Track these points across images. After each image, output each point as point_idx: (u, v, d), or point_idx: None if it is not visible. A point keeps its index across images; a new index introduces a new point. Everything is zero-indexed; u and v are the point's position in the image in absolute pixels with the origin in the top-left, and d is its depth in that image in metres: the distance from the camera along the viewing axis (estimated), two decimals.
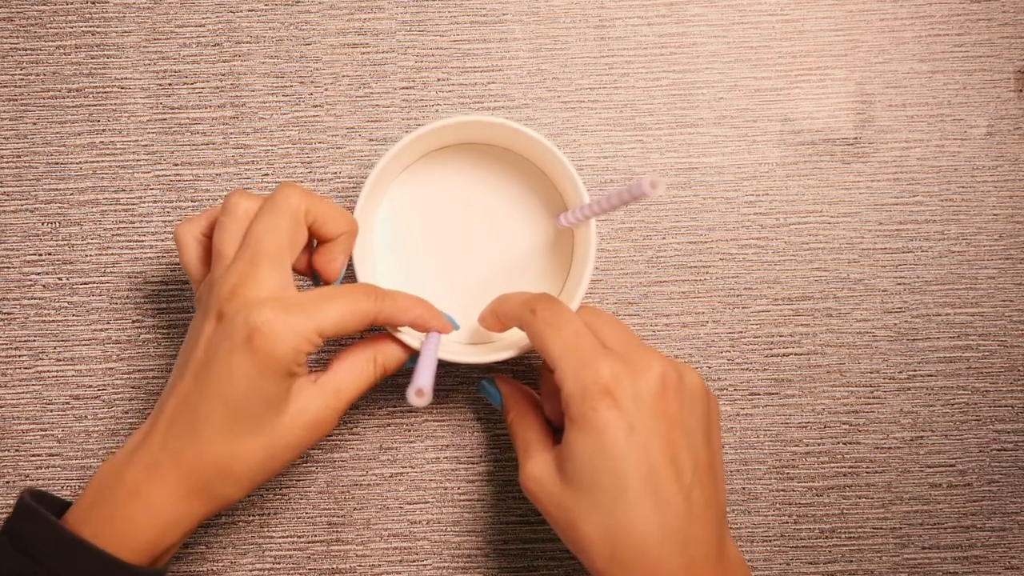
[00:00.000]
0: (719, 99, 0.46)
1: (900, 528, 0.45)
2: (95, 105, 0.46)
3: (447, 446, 0.45)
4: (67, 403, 0.45)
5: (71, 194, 0.45)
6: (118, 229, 0.45)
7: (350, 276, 0.40)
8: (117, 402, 0.45)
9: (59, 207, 0.45)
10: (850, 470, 0.45)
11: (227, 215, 0.37)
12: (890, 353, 0.46)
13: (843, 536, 0.45)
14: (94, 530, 0.34)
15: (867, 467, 0.45)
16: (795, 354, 0.46)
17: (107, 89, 0.46)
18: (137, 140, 0.46)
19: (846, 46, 0.46)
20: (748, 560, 0.45)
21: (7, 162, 0.45)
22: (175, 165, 0.46)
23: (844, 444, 0.46)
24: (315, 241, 0.39)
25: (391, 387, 0.45)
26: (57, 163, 0.45)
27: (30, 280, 0.45)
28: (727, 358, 0.46)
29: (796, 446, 0.46)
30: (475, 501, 0.45)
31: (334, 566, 0.45)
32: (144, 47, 0.46)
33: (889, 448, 0.46)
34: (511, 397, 0.41)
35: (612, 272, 0.46)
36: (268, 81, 0.46)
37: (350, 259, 0.40)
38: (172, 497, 0.35)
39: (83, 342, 0.45)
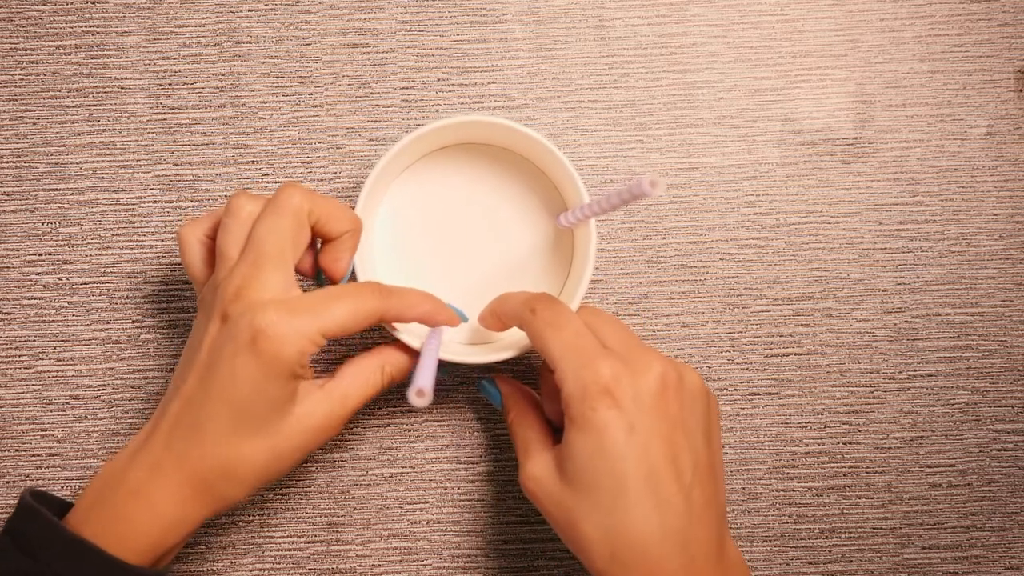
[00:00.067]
0: (719, 99, 0.46)
1: (900, 528, 0.45)
2: (95, 105, 0.46)
3: (447, 446, 0.45)
4: (67, 403, 0.45)
5: (71, 194, 0.45)
6: (118, 229, 0.45)
7: (351, 276, 0.40)
8: (117, 402, 0.45)
9: (59, 207, 0.45)
10: (850, 470, 0.45)
11: (230, 217, 0.37)
12: (890, 353, 0.46)
13: (843, 536, 0.45)
14: (95, 530, 0.34)
15: (867, 467, 0.45)
16: (795, 354, 0.46)
17: (107, 89, 0.46)
18: (137, 140, 0.46)
19: (846, 46, 0.46)
20: (748, 560, 0.45)
21: (7, 162, 0.45)
22: (175, 165, 0.46)
23: (844, 444, 0.46)
24: (319, 241, 0.39)
25: (391, 387, 0.45)
26: (57, 163, 0.45)
27: (30, 280, 0.45)
28: (727, 358, 0.46)
29: (796, 446, 0.46)
30: (475, 501, 0.45)
31: (334, 566, 0.45)
32: (144, 47, 0.46)
33: (889, 448, 0.46)
34: (511, 397, 0.41)
35: (612, 272, 0.46)
36: (268, 81, 0.46)
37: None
38: (175, 498, 0.35)
39: (83, 342, 0.45)
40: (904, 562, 0.45)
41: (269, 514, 0.45)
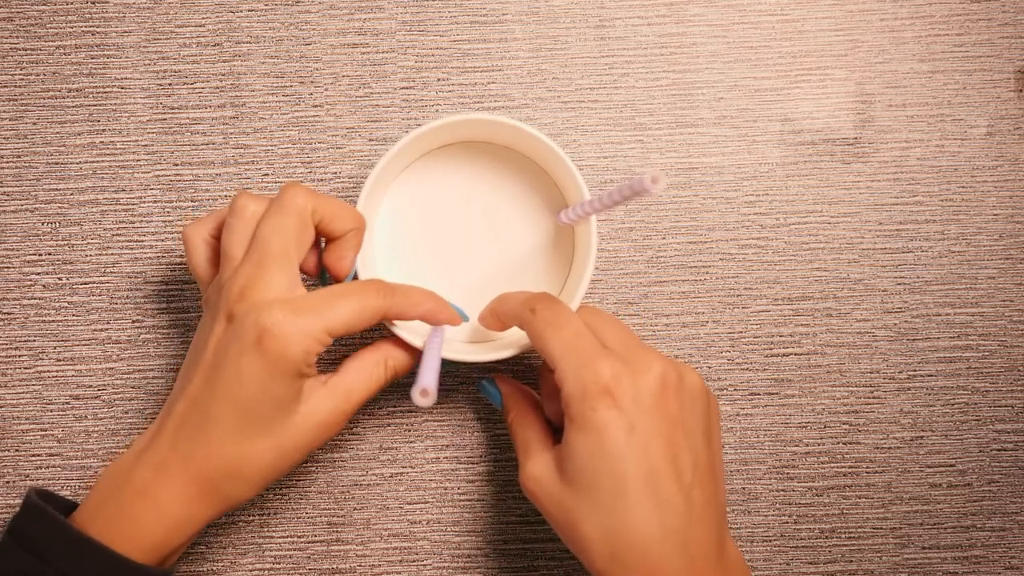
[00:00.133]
0: (719, 99, 0.46)
1: (900, 528, 0.45)
2: (95, 105, 0.46)
3: (447, 446, 0.45)
4: (67, 403, 0.45)
5: (71, 194, 0.45)
6: (118, 229, 0.45)
7: (353, 275, 0.40)
8: (117, 402, 0.45)
9: (59, 207, 0.45)
10: (850, 470, 0.45)
11: (234, 217, 0.37)
12: (890, 353, 0.46)
13: (843, 536, 0.45)
14: (101, 529, 0.34)
15: (867, 467, 0.45)
16: (795, 354, 0.46)
17: (107, 89, 0.46)
18: (137, 140, 0.46)
19: (846, 46, 0.46)
20: (748, 560, 0.45)
21: (7, 162, 0.45)
22: (175, 165, 0.46)
23: (844, 444, 0.46)
24: (323, 240, 0.39)
25: (392, 387, 0.45)
26: (57, 163, 0.45)
27: (30, 280, 0.45)
28: (727, 358, 0.46)
29: (796, 446, 0.46)
30: (475, 501, 0.45)
31: (334, 566, 0.45)
32: (144, 47, 0.46)
33: (889, 448, 0.46)
34: (511, 397, 0.41)
35: (612, 272, 0.46)
36: (268, 81, 0.46)
37: None
38: (181, 498, 0.35)
39: (83, 342, 0.45)
40: (904, 562, 0.45)
41: (269, 514, 0.45)
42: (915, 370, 0.46)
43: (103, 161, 0.46)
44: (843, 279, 0.46)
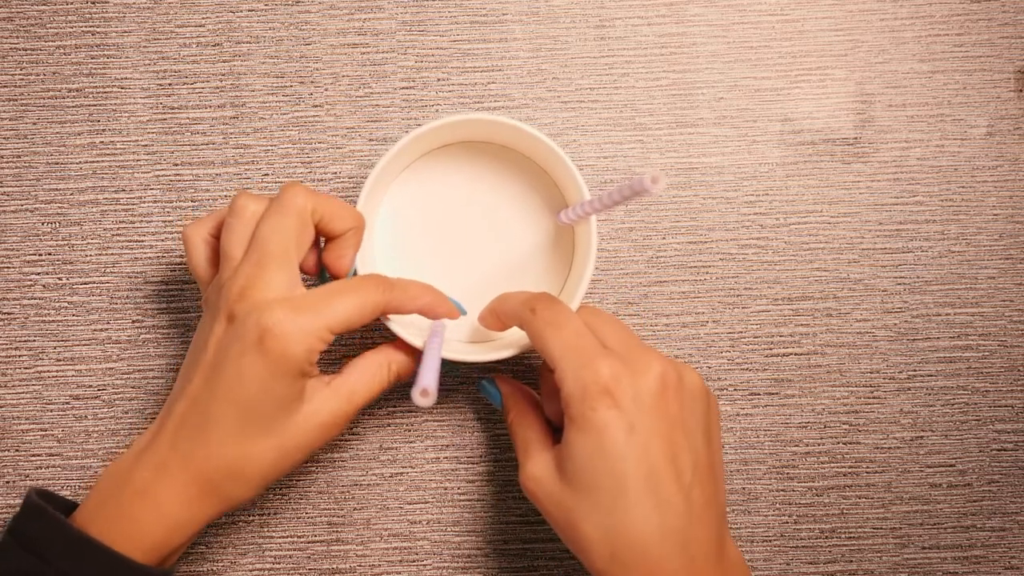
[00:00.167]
0: (719, 99, 0.46)
1: (900, 528, 0.45)
2: (95, 105, 0.46)
3: (447, 446, 0.45)
4: (67, 403, 0.45)
5: (71, 194, 0.45)
6: (118, 229, 0.45)
7: (352, 273, 0.40)
8: (117, 402, 0.45)
9: (59, 207, 0.45)
10: (850, 470, 0.45)
11: (234, 217, 0.37)
12: (890, 353, 0.46)
13: (843, 536, 0.45)
14: (101, 529, 0.34)
15: (867, 467, 0.45)
16: (795, 354, 0.46)
17: (107, 89, 0.46)
18: (137, 140, 0.46)
19: (846, 46, 0.46)
20: (748, 560, 0.45)
21: (7, 162, 0.45)
22: (175, 165, 0.46)
23: (844, 444, 0.46)
24: (322, 239, 0.39)
25: (392, 387, 0.45)
26: (57, 163, 0.45)
27: (30, 280, 0.45)
28: (727, 358, 0.46)
29: (796, 446, 0.46)
30: (475, 501, 0.45)
31: (334, 566, 0.45)
32: (144, 47, 0.46)
33: (889, 448, 0.46)
34: (511, 397, 0.41)
35: (612, 272, 0.46)
36: (268, 81, 0.46)
37: None
38: (181, 498, 0.35)
39: (83, 342, 0.45)
40: (904, 562, 0.45)
41: (269, 514, 0.45)
42: (915, 370, 0.46)
43: (103, 161, 0.46)
44: (843, 279, 0.46)
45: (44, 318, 0.45)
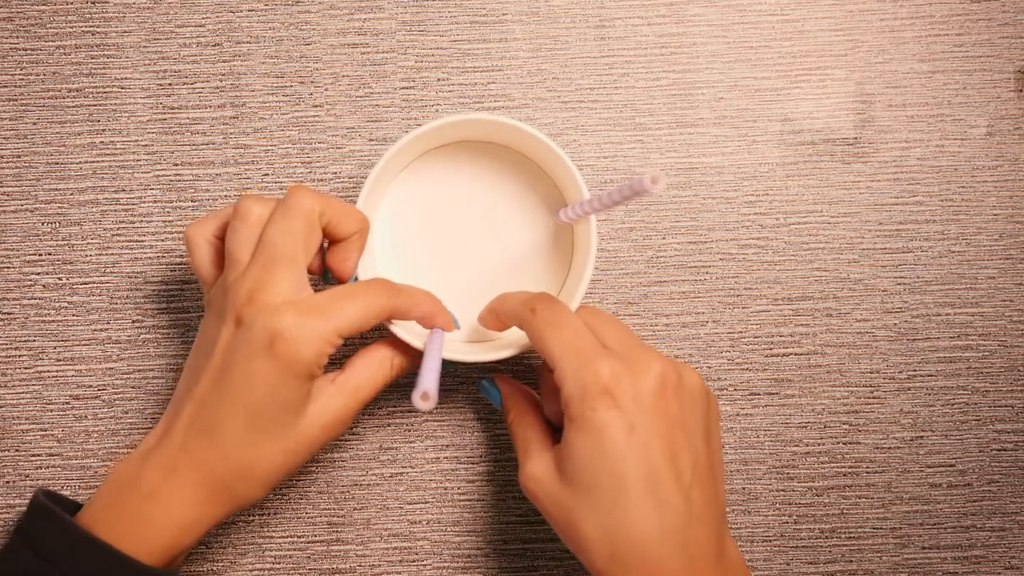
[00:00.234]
0: (719, 99, 0.46)
1: (900, 528, 0.45)
2: (95, 105, 0.46)
3: (447, 446, 0.45)
4: (67, 403, 0.45)
5: (71, 194, 0.45)
6: (118, 229, 0.45)
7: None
8: (117, 402, 0.45)
9: (59, 207, 0.45)
10: (850, 470, 0.45)
11: (239, 220, 0.37)
12: (890, 353, 0.46)
13: (843, 536, 0.45)
14: (108, 530, 0.34)
15: (867, 467, 0.45)
16: (795, 354, 0.46)
17: (107, 89, 0.46)
18: (137, 140, 0.46)
19: (846, 46, 0.46)
20: (748, 560, 0.45)
21: (7, 162, 0.45)
22: (175, 165, 0.46)
23: (844, 444, 0.46)
24: (326, 241, 0.39)
25: (392, 387, 0.45)
26: (57, 163, 0.45)
27: (30, 280, 0.45)
28: (727, 358, 0.46)
29: (796, 446, 0.46)
30: (475, 501, 0.45)
31: (334, 566, 0.45)
32: (144, 47, 0.46)
33: (889, 448, 0.46)
34: (511, 397, 0.41)
35: (612, 272, 0.46)
36: (268, 81, 0.46)
37: None
38: (191, 499, 0.35)
39: (83, 342, 0.45)
40: (904, 562, 0.45)
41: (269, 514, 0.45)
42: (915, 370, 0.46)
43: (103, 161, 0.46)
44: (843, 279, 0.46)
45: (44, 318, 0.45)
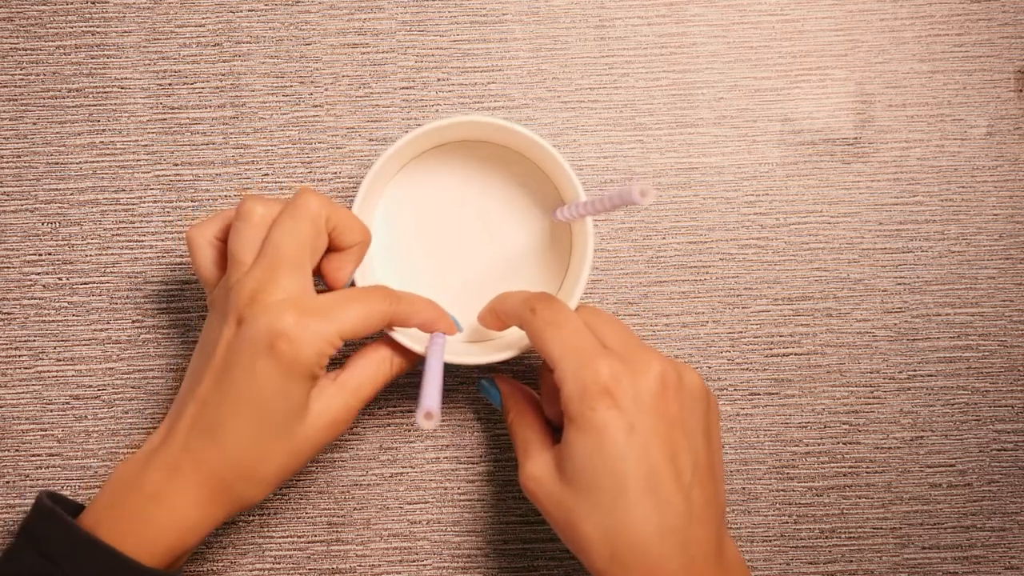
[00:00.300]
0: (719, 99, 0.46)
1: (900, 528, 0.45)
2: (95, 105, 0.46)
3: (447, 446, 0.45)
4: (67, 403, 0.45)
5: (71, 194, 0.45)
6: (118, 229, 0.45)
7: (349, 284, 0.40)
8: (117, 402, 0.45)
9: (59, 207, 0.45)
10: (850, 470, 0.45)
11: (243, 221, 0.37)
12: (890, 353, 0.46)
13: (843, 536, 0.45)
14: (111, 531, 0.34)
15: (867, 467, 0.45)
16: (795, 354, 0.46)
17: (107, 89, 0.46)
18: (137, 140, 0.46)
19: (846, 46, 0.46)
20: (748, 560, 0.45)
21: (7, 162, 0.45)
22: (175, 165, 0.46)
23: (844, 444, 0.46)
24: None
25: (392, 387, 0.45)
26: (57, 163, 0.45)
27: (30, 280, 0.45)
28: (727, 358, 0.46)
29: (796, 446, 0.46)
30: (475, 501, 0.45)
31: (334, 566, 0.45)
32: (144, 47, 0.46)
33: (889, 448, 0.46)
34: (511, 397, 0.41)
35: (612, 272, 0.46)
36: (268, 81, 0.46)
37: None
38: (194, 500, 0.35)
39: (83, 342, 0.45)
40: (904, 562, 0.45)
41: (269, 514, 0.45)
42: (915, 370, 0.46)
43: (103, 161, 0.46)
44: (843, 279, 0.46)
45: (44, 318, 0.45)
